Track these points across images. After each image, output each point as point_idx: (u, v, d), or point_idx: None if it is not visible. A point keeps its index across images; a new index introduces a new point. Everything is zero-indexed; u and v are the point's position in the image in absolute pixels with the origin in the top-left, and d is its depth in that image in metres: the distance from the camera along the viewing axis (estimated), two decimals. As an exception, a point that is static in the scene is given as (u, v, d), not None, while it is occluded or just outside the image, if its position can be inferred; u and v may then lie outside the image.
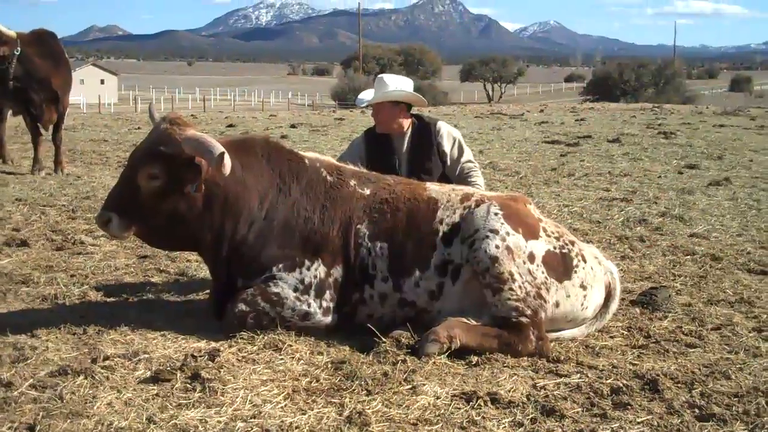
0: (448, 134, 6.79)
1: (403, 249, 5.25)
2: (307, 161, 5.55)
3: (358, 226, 5.32)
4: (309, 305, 5.15)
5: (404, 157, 6.79)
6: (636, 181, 11.98)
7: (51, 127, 12.35)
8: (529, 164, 13.79)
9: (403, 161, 6.78)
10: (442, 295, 5.20)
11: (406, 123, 6.78)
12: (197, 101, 71.18)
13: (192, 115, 23.24)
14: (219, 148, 4.93)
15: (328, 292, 5.21)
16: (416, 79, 75.34)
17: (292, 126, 21.31)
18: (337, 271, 5.26)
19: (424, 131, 6.77)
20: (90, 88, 79.94)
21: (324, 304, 5.19)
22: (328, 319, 5.22)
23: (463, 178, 6.69)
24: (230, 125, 21.33)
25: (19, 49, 11.29)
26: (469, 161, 6.84)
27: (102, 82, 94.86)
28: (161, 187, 5.12)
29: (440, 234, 5.26)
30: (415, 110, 6.95)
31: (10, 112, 13.37)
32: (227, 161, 4.92)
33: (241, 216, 5.26)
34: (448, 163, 6.75)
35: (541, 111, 29.81)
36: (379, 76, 6.97)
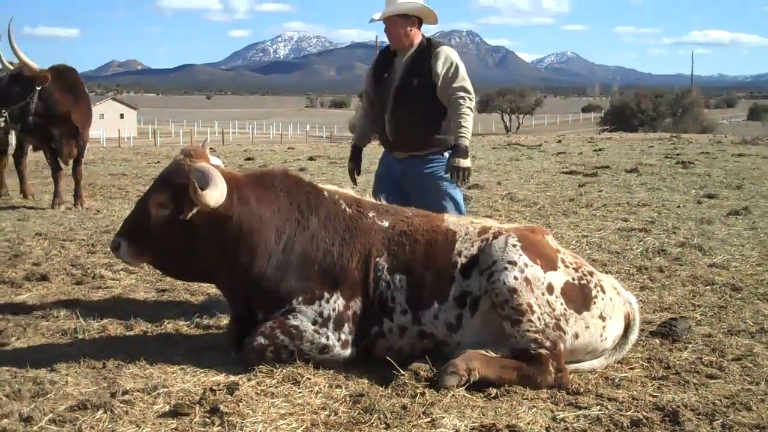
0: (446, 57, 6.68)
1: (422, 281, 5.25)
2: (326, 193, 5.58)
3: (377, 259, 5.33)
4: (328, 338, 5.15)
5: (398, 74, 6.79)
6: (655, 211, 11.93)
7: (71, 162, 12.43)
8: (547, 195, 13.76)
9: (396, 77, 6.78)
10: (461, 327, 5.19)
11: (417, 38, 6.79)
12: (216, 134, 71.51)
13: (211, 149, 23.26)
14: (212, 179, 5.00)
15: (346, 324, 5.21)
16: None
17: (311, 158, 21.37)
18: (356, 304, 5.26)
19: (425, 51, 6.74)
20: (110, 122, 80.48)
21: (343, 337, 5.19)
22: (347, 352, 5.22)
23: (451, 107, 6.61)
24: (249, 158, 21.40)
25: (39, 84, 11.40)
26: (462, 88, 6.62)
27: (122, 116, 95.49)
28: (170, 216, 5.21)
29: (459, 266, 5.25)
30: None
31: (30, 147, 13.50)
32: (206, 192, 4.96)
33: (257, 249, 5.28)
34: (439, 84, 6.64)
35: (559, 141, 29.79)
36: None
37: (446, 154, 6.69)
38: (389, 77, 6.84)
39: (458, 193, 6.88)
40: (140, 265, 5.83)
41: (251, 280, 5.29)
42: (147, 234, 5.28)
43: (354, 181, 7.28)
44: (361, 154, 7.32)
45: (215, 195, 5.01)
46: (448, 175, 6.61)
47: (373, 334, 5.27)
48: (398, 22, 6.70)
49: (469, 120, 6.55)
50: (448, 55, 6.68)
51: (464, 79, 6.65)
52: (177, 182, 5.20)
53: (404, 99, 6.72)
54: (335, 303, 5.22)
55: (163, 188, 5.28)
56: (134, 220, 5.39)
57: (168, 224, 5.21)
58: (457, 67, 6.65)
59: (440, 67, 6.63)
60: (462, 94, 6.59)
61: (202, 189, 4.95)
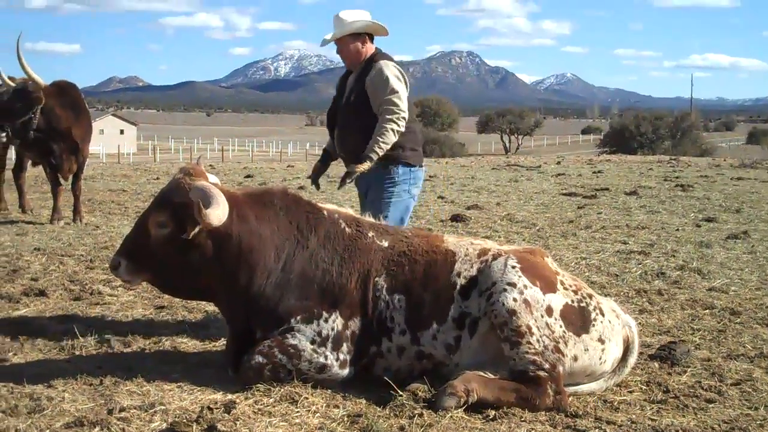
0: (378, 71, 6.62)
1: (421, 301, 5.24)
2: (325, 212, 5.58)
3: (377, 279, 5.32)
4: (326, 357, 5.14)
5: (347, 93, 6.82)
6: (654, 234, 11.93)
7: (70, 177, 12.44)
8: (546, 216, 13.76)
9: (345, 96, 6.82)
10: (460, 348, 5.18)
11: (369, 53, 6.79)
12: (216, 152, 71.56)
13: (210, 165, 23.38)
14: (214, 198, 5.01)
15: (345, 344, 5.20)
16: (433, 130, 75.55)
17: (309, 177, 21.35)
18: (355, 324, 5.25)
19: (367, 65, 6.72)
20: (109, 138, 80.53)
21: (341, 356, 5.18)
22: (345, 371, 5.20)
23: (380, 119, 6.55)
24: (248, 176, 21.43)
25: (42, 100, 11.44)
26: (388, 102, 6.52)
27: (121, 132, 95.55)
28: (169, 235, 5.22)
29: (458, 287, 5.24)
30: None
31: (29, 161, 13.52)
32: (209, 211, 4.96)
33: (257, 268, 5.28)
34: (371, 98, 6.63)
35: (558, 163, 29.82)
36: (336, 14, 6.87)
37: (401, 168, 6.76)
38: (339, 93, 6.94)
39: (402, 208, 6.88)
40: (139, 283, 5.84)
41: (250, 299, 5.28)
42: (146, 253, 5.28)
43: (315, 185, 7.44)
44: (329, 161, 7.40)
45: (218, 214, 5.01)
46: (394, 189, 6.75)
47: (371, 353, 5.26)
48: (348, 41, 6.74)
49: (385, 136, 6.49)
50: (381, 69, 6.62)
51: (393, 93, 6.55)
52: (176, 201, 5.20)
53: (347, 115, 6.78)
54: (334, 323, 5.21)
55: (162, 207, 5.28)
56: (133, 239, 5.39)
57: (167, 243, 5.21)
58: (387, 81, 6.57)
59: (373, 81, 6.61)
60: (387, 107, 6.53)
61: (205, 208, 4.95)
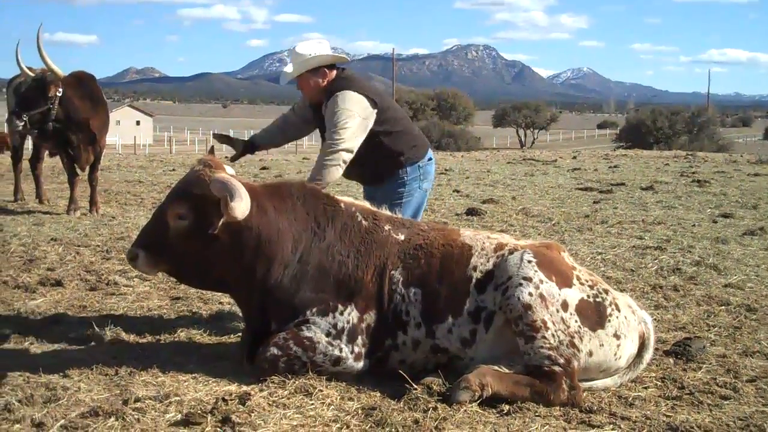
0: (330, 105, 6.30)
1: (437, 295, 5.24)
2: (342, 205, 5.58)
3: (392, 272, 5.32)
4: (341, 350, 5.15)
5: (323, 130, 6.54)
6: (670, 230, 11.89)
7: (87, 168, 12.49)
8: (562, 211, 13.73)
9: (323, 134, 6.53)
10: (475, 342, 5.17)
11: (330, 79, 6.50)
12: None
13: (226, 157, 23.37)
14: (237, 191, 5.00)
15: (360, 337, 5.20)
16: (449, 123, 75.30)
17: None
18: (370, 317, 5.25)
19: (327, 99, 6.40)
20: (126, 129, 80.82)
21: (356, 349, 5.18)
22: (360, 364, 5.21)
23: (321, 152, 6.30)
24: (264, 167, 21.45)
25: (61, 90, 11.49)
26: (330, 135, 6.19)
27: (138, 123, 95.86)
28: (188, 227, 5.22)
29: (474, 281, 5.24)
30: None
31: (46, 152, 13.57)
32: (234, 205, 4.96)
33: (275, 260, 5.28)
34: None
35: (574, 157, 29.72)
36: (293, 47, 6.65)
37: (408, 168, 6.65)
38: (321, 119, 6.56)
39: (414, 206, 6.79)
40: (156, 273, 5.85)
41: (267, 290, 5.29)
42: (164, 244, 5.28)
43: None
44: (251, 151, 7.06)
45: (242, 207, 5.01)
46: (404, 188, 6.64)
47: (386, 346, 5.26)
48: (307, 77, 6.47)
49: (323, 174, 6.13)
50: (334, 102, 6.29)
51: (334, 126, 6.20)
52: (196, 193, 5.20)
53: None
54: (349, 315, 5.21)
55: (181, 199, 5.28)
56: (152, 231, 5.38)
57: (186, 235, 5.22)
58: (333, 114, 6.25)
59: (326, 115, 6.35)
60: (328, 141, 6.21)
61: (231, 201, 4.95)
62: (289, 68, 6.54)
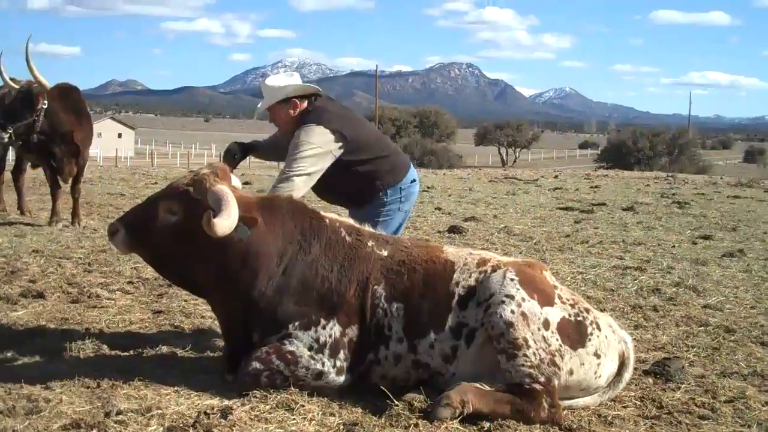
0: (294, 137, 6.31)
1: (419, 310, 5.27)
2: (327, 221, 5.61)
3: (375, 287, 5.34)
4: (323, 364, 5.17)
5: None
6: (650, 251, 11.97)
7: (70, 180, 12.46)
8: (543, 230, 13.81)
9: None
10: (456, 358, 5.19)
11: (302, 109, 6.52)
12: (214, 157, 71.46)
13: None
14: (226, 209, 5.01)
15: (342, 351, 5.22)
16: (431, 141, 75.48)
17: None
18: (352, 331, 5.27)
19: (294, 134, 6.40)
20: (107, 141, 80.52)
21: (338, 363, 5.20)
22: (342, 378, 5.22)
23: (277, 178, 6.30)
24: (246, 183, 21.41)
25: (46, 102, 11.50)
26: (287, 163, 6.24)
27: (119, 135, 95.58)
28: (175, 224, 5.27)
29: (456, 297, 5.27)
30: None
31: (29, 163, 13.55)
32: (217, 221, 4.95)
33: (260, 271, 5.30)
34: None
35: (556, 177, 29.87)
36: (263, 81, 6.72)
37: (389, 191, 6.68)
38: None
39: (394, 226, 6.80)
40: (129, 254, 5.86)
41: (250, 302, 5.29)
42: (147, 231, 5.32)
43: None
44: (245, 154, 7.00)
45: (225, 225, 5.00)
46: (383, 209, 6.66)
47: (368, 361, 5.28)
48: (278, 108, 6.53)
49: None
50: (297, 134, 6.32)
51: (294, 155, 6.24)
52: (193, 195, 5.25)
53: (319, 185, 6.51)
54: (331, 330, 5.23)
55: (177, 196, 5.32)
56: (139, 213, 5.43)
57: (171, 230, 5.26)
58: (294, 146, 6.28)
59: (289, 149, 6.33)
60: (284, 168, 6.25)
61: (215, 215, 4.96)
62: (261, 104, 6.64)
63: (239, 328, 5.39)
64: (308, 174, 6.26)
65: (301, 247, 5.43)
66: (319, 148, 6.28)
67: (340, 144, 6.38)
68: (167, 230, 5.27)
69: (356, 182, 6.60)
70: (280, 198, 5.74)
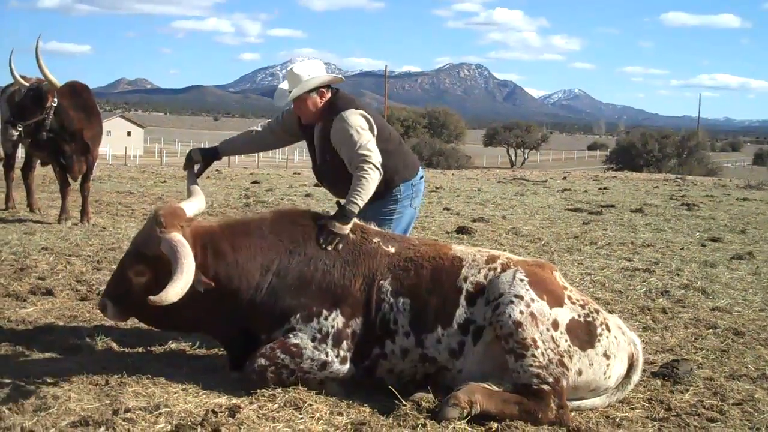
0: (340, 129, 6.22)
1: (426, 305, 5.29)
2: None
3: (382, 282, 5.38)
4: (327, 354, 5.21)
5: (317, 145, 6.57)
6: (659, 252, 11.95)
7: (79, 177, 12.49)
8: (551, 231, 13.78)
9: (316, 147, 6.58)
10: (463, 353, 5.21)
11: (326, 99, 6.45)
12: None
13: (217, 170, 23.40)
14: (179, 272, 5.00)
15: (345, 341, 5.26)
16: (440, 141, 75.45)
17: (317, 184, 21.38)
18: (356, 323, 5.30)
19: (327, 122, 6.35)
20: (116, 139, 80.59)
21: (341, 353, 5.24)
22: (345, 367, 5.26)
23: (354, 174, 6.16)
24: (255, 182, 21.46)
25: (56, 100, 11.51)
26: (357, 156, 6.09)
27: (129, 134, 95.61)
28: (147, 282, 5.29)
29: (464, 292, 5.29)
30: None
31: (38, 161, 13.58)
32: (166, 293, 4.93)
33: (239, 292, 5.37)
34: (344, 159, 6.26)
35: (564, 178, 29.81)
36: (289, 68, 6.58)
37: (402, 186, 6.65)
38: (311, 137, 6.62)
39: (405, 222, 6.80)
40: (127, 320, 5.95)
41: (244, 316, 5.39)
42: (128, 297, 5.35)
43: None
44: (211, 161, 6.85)
45: (177, 290, 4.98)
46: (396, 206, 6.65)
47: (374, 355, 5.31)
48: (306, 98, 6.39)
49: (365, 184, 6.02)
50: (342, 125, 6.24)
51: (359, 148, 6.12)
52: (149, 254, 5.30)
53: (332, 174, 6.53)
54: (334, 320, 5.26)
55: (138, 258, 5.38)
56: (117, 283, 5.47)
57: (147, 290, 5.18)
58: (351, 136, 6.18)
59: (337, 139, 6.28)
60: (358, 164, 6.11)
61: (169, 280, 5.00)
62: (284, 85, 6.52)
63: (237, 346, 5.51)
64: (379, 159, 6.13)
65: (292, 252, 5.48)
66: (368, 131, 6.26)
67: (374, 130, 6.39)
68: (144, 291, 5.22)
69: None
70: (261, 220, 5.74)
